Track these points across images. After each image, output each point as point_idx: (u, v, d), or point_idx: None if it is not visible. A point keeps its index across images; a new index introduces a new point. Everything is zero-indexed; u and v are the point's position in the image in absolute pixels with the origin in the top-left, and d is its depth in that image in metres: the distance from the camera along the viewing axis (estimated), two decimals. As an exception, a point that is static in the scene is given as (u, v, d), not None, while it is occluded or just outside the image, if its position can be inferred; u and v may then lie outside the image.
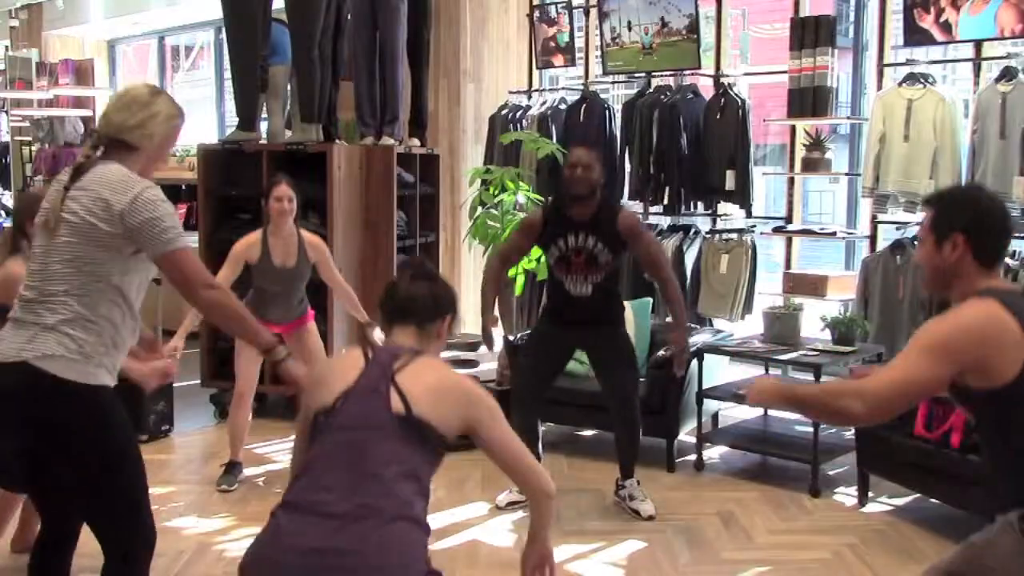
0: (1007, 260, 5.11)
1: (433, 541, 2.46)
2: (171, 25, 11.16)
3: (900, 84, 5.82)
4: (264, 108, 6.35)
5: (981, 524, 2.40)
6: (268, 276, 4.86)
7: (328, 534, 2.13)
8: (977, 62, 5.71)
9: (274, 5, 6.27)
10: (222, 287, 2.80)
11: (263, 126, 6.40)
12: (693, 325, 5.88)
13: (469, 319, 7.62)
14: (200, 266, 2.70)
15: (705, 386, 5.13)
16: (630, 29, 7.01)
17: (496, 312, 4.65)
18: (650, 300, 5.91)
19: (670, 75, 7.01)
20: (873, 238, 6.20)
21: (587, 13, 7.59)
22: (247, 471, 5.01)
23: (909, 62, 5.95)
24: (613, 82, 7.76)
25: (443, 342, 2.51)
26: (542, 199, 6.30)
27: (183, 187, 8.84)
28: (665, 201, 6.79)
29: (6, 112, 11.68)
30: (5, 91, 10.72)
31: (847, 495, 4.79)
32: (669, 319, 4.70)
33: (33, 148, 11.33)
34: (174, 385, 5.84)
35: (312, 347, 4.98)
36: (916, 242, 2.55)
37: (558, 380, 4.73)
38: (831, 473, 5.05)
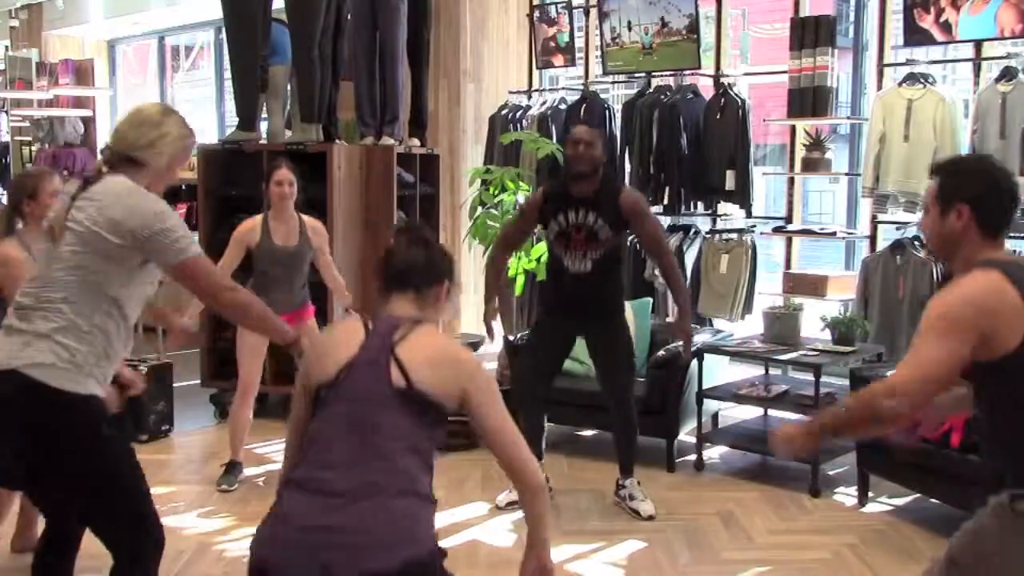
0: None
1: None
2: (171, 25, 11.15)
3: (900, 84, 5.82)
4: (264, 108, 6.35)
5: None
6: (269, 257, 4.82)
7: (334, 511, 2.12)
8: (977, 62, 5.71)
9: (274, 5, 6.27)
10: (241, 288, 2.84)
11: (263, 126, 6.40)
12: (693, 325, 5.86)
13: (470, 318, 7.64)
14: (214, 269, 2.76)
15: (705, 386, 5.13)
16: (630, 29, 7.01)
17: (497, 304, 4.65)
18: (650, 300, 5.91)
19: (670, 75, 7.01)
20: (873, 238, 6.20)
21: (587, 13, 7.58)
22: (247, 471, 5.01)
23: (909, 62, 5.95)
24: (613, 82, 7.76)
25: (442, 307, 2.48)
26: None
27: (183, 187, 8.80)
28: (665, 201, 6.78)
29: (6, 112, 11.65)
30: (5, 91, 10.70)
31: (847, 495, 4.79)
32: (669, 319, 4.70)
33: (33, 148, 11.30)
34: (174, 385, 5.85)
35: None
36: (922, 216, 2.52)
37: (558, 380, 4.73)
38: (831, 473, 5.05)
